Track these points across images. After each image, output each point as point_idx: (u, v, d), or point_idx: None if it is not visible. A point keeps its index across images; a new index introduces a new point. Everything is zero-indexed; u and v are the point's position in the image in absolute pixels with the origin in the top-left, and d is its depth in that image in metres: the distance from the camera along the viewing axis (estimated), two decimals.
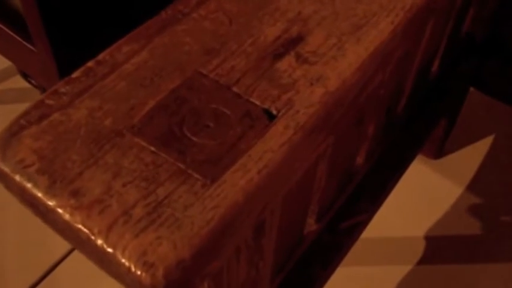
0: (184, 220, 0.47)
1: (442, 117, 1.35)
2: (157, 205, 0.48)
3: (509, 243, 1.40)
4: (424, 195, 1.48)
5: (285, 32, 0.63)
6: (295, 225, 0.78)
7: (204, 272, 0.48)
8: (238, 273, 0.62)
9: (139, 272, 0.45)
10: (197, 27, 0.63)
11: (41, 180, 0.50)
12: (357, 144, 0.87)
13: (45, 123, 0.54)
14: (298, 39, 0.62)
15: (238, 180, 0.50)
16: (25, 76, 1.58)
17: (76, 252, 1.34)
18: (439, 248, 1.39)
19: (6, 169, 0.52)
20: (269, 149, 0.53)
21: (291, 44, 0.62)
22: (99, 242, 0.47)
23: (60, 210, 0.49)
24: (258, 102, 0.56)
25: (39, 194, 0.50)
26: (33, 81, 1.54)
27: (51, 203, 0.49)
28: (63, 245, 1.36)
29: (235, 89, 0.58)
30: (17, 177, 0.51)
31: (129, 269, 0.45)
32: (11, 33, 1.14)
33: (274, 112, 0.56)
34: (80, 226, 0.48)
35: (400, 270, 1.35)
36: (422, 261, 1.37)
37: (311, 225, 0.84)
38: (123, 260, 0.45)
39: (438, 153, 1.54)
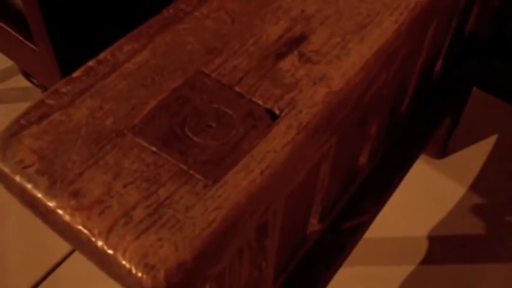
0: (185, 221, 0.47)
1: (446, 117, 1.35)
2: (158, 206, 0.48)
3: None
4: (427, 195, 1.47)
5: (287, 31, 0.63)
6: (298, 225, 0.78)
7: (206, 274, 0.47)
8: (240, 274, 0.61)
9: (140, 274, 0.44)
10: (199, 26, 0.63)
11: (41, 180, 0.50)
12: (360, 144, 0.86)
13: (46, 123, 0.54)
14: (301, 38, 0.62)
15: (241, 181, 0.50)
16: (27, 75, 1.57)
17: (77, 253, 1.33)
18: (442, 248, 1.39)
19: (6, 169, 0.51)
20: (272, 149, 0.52)
21: (293, 43, 0.62)
22: (100, 243, 0.46)
23: (60, 211, 0.48)
24: (260, 102, 0.56)
25: (39, 195, 0.49)
26: (34, 81, 1.54)
27: (51, 204, 0.49)
28: (65, 245, 1.35)
29: (237, 88, 0.57)
30: (17, 178, 0.51)
31: (129, 271, 0.45)
32: (13, 33, 1.14)
33: (277, 112, 0.55)
34: (80, 227, 0.47)
35: (403, 270, 1.35)
36: (425, 261, 1.36)
37: (314, 225, 0.84)
38: (123, 262, 0.45)
39: (441, 153, 1.54)
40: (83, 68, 0.58)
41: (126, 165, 0.51)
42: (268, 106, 0.56)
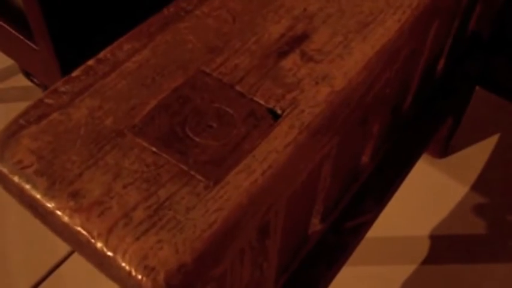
0: (186, 223, 0.47)
1: (448, 116, 1.34)
2: (158, 207, 0.48)
3: None
4: (428, 195, 1.47)
5: (289, 29, 0.62)
6: (300, 226, 0.78)
7: (207, 276, 0.47)
8: (242, 275, 0.61)
9: (140, 277, 0.44)
10: (200, 24, 0.63)
11: (39, 181, 0.49)
12: (362, 143, 0.86)
13: (45, 123, 0.54)
14: (303, 37, 0.61)
15: (242, 182, 0.49)
16: (27, 74, 1.57)
17: None
18: (444, 248, 1.39)
19: (5, 170, 0.51)
20: (274, 149, 0.52)
21: (295, 42, 0.61)
22: (99, 245, 0.46)
23: (59, 212, 0.48)
24: (262, 102, 0.56)
25: (38, 196, 0.49)
26: (35, 80, 1.54)
27: (50, 205, 0.48)
28: (66, 245, 1.35)
29: (238, 88, 0.57)
30: (16, 179, 0.50)
31: (129, 273, 0.44)
32: (13, 32, 1.14)
33: (279, 112, 0.55)
34: (79, 229, 0.47)
35: (405, 270, 1.35)
36: (427, 261, 1.36)
37: (316, 225, 0.84)
38: (123, 264, 0.45)
39: (443, 152, 1.54)
40: (82, 67, 0.58)
41: (126, 166, 0.50)
42: (270, 106, 0.55)
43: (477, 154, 1.55)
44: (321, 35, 0.62)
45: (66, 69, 1.08)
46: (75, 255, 1.36)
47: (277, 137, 0.53)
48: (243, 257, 0.58)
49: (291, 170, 0.54)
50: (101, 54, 0.59)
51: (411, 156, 1.08)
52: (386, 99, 0.82)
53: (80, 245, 0.48)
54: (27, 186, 0.50)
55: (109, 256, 0.45)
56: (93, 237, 0.46)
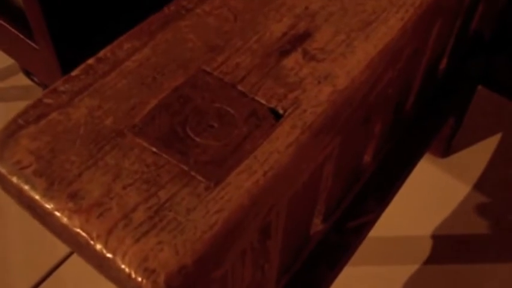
0: (186, 224, 0.46)
1: (450, 115, 1.34)
2: (158, 208, 0.47)
3: None
4: (431, 194, 1.47)
5: (291, 28, 0.62)
6: (302, 226, 0.77)
7: (208, 278, 0.46)
8: (243, 277, 0.60)
9: (140, 279, 0.44)
10: (201, 23, 0.62)
11: (38, 182, 0.49)
12: (364, 142, 0.86)
13: (44, 122, 0.53)
14: (305, 36, 0.61)
15: (243, 183, 0.49)
16: (28, 74, 1.58)
17: None
18: (446, 247, 1.38)
19: (3, 170, 0.51)
20: (275, 149, 0.51)
21: (297, 40, 0.61)
22: (98, 246, 0.45)
23: (58, 214, 0.47)
24: (263, 101, 0.55)
25: (37, 197, 0.49)
26: (35, 79, 1.54)
27: (48, 206, 0.48)
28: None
29: (240, 87, 0.56)
30: (14, 179, 0.50)
31: (129, 275, 0.44)
32: (13, 31, 1.14)
33: (281, 111, 0.54)
34: (78, 230, 0.46)
35: (407, 270, 1.35)
36: (429, 261, 1.36)
37: (317, 225, 0.83)
38: (123, 266, 0.44)
39: (445, 151, 1.54)
40: (82, 66, 0.58)
41: (126, 166, 0.50)
42: (272, 105, 0.55)
43: (479, 153, 1.55)
44: (323, 33, 0.61)
45: (66, 68, 1.07)
46: (75, 256, 1.36)
47: (279, 137, 0.52)
48: (244, 259, 0.57)
49: (293, 170, 0.53)
50: (101, 53, 0.59)
51: (413, 155, 1.08)
52: (389, 99, 0.82)
53: (79, 247, 0.48)
54: (26, 187, 0.49)
55: (108, 258, 0.45)
56: (92, 239, 0.46)
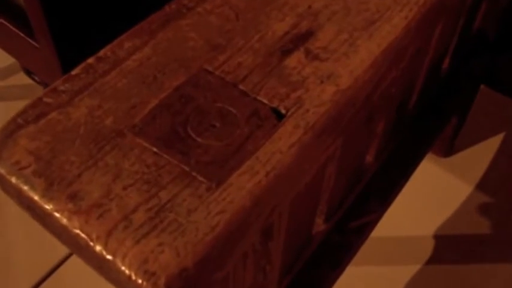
0: (187, 226, 0.46)
1: (453, 115, 1.34)
2: (159, 210, 0.47)
3: None
4: (433, 194, 1.47)
5: (294, 27, 0.62)
6: (304, 226, 0.77)
7: (209, 280, 0.46)
8: (244, 279, 0.60)
9: (140, 281, 0.43)
10: (202, 22, 0.62)
11: (37, 182, 0.49)
12: (366, 142, 0.85)
13: (43, 122, 0.53)
14: (308, 35, 0.61)
15: (245, 183, 0.49)
16: (28, 73, 1.57)
17: None
18: (448, 247, 1.38)
19: (2, 171, 0.50)
20: (278, 150, 0.51)
21: (300, 39, 0.60)
22: (98, 248, 0.45)
23: (57, 215, 0.47)
24: (265, 101, 0.55)
25: (36, 197, 0.48)
26: (36, 78, 1.54)
27: (48, 207, 0.48)
28: None
29: (242, 86, 0.56)
30: (13, 180, 0.50)
31: (129, 277, 0.43)
32: (14, 29, 1.14)
33: (283, 111, 0.54)
34: (78, 231, 0.46)
35: (409, 270, 1.35)
36: (431, 261, 1.36)
37: (319, 225, 0.83)
38: (123, 268, 0.44)
39: (448, 151, 1.53)
40: (82, 65, 0.57)
41: (126, 167, 0.49)
42: (274, 105, 0.54)
43: (482, 153, 1.55)
44: (326, 32, 0.61)
45: (67, 67, 1.07)
46: (76, 256, 1.36)
47: (281, 137, 0.52)
48: (246, 260, 0.57)
49: (296, 171, 0.53)
50: (101, 52, 0.59)
51: (416, 155, 1.07)
52: (392, 98, 0.81)
53: (78, 248, 0.47)
54: (25, 188, 0.49)
55: (108, 260, 0.45)
56: (92, 240, 0.45)
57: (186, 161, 0.50)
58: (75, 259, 1.36)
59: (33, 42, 1.10)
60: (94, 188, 0.48)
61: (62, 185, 0.48)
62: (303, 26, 0.62)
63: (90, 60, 0.58)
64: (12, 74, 1.71)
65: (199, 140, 0.51)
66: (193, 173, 0.49)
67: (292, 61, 0.58)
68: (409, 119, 1.02)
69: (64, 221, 0.47)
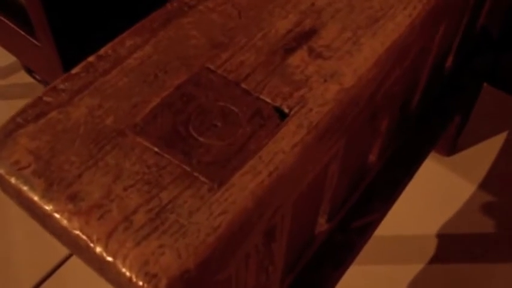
0: (189, 227, 0.45)
1: (456, 114, 1.33)
2: (160, 211, 0.46)
3: None
4: (436, 193, 1.47)
5: (297, 25, 0.61)
6: (306, 226, 0.77)
7: (211, 282, 0.45)
8: (247, 280, 0.60)
9: (141, 283, 0.43)
10: (204, 19, 0.61)
11: (37, 183, 0.48)
12: (369, 141, 0.85)
13: (43, 121, 0.52)
14: (311, 33, 0.60)
15: (248, 184, 0.48)
16: (29, 71, 1.58)
17: None
18: (451, 246, 1.38)
19: (1, 171, 0.50)
20: (280, 150, 0.50)
21: (303, 37, 0.60)
22: (98, 249, 0.45)
23: (57, 216, 0.47)
24: (268, 100, 0.54)
25: (36, 198, 0.48)
26: (37, 77, 1.54)
27: (47, 208, 0.47)
28: None
29: (244, 85, 0.55)
30: (13, 180, 0.49)
31: (130, 279, 0.43)
32: (15, 28, 1.14)
33: (286, 110, 0.53)
34: (78, 232, 0.46)
35: (412, 269, 1.35)
36: (433, 260, 1.36)
37: (322, 225, 0.83)
38: (123, 270, 0.43)
39: (451, 150, 1.53)
40: (82, 63, 0.57)
41: (126, 167, 0.49)
42: (277, 104, 0.54)
43: (485, 152, 1.55)
44: (329, 30, 0.61)
45: (68, 65, 1.07)
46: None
47: (284, 137, 0.51)
48: (249, 262, 0.57)
49: (299, 171, 0.52)
50: (102, 51, 0.58)
51: (419, 154, 1.07)
52: (395, 97, 0.81)
53: (79, 249, 0.47)
54: (25, 188, 0.48)
55: (109, 261, 0.44)
56: (92, 242, 0.45)
57: (187, 161, 0.49)
58: (76, 259, 1.36)
59: (34, 41, 1.10)
60: (94, 189, 0.47)
61: (62, 186, 0.48)
62: (306, 23, 0.61)
63: (91, 58, 0.57)
64: (13, 73, 1.71)
65: (201, 139, 0.51)
66: (195, 174, 0.49)
67: (295, 59, 0.58)
68: (412, 117, 1.01)
69: (64, 222, 0.46)
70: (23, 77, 1.64)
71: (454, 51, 1.08)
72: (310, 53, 0.58)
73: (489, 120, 1.60)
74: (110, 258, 0.44)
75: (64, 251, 1.37)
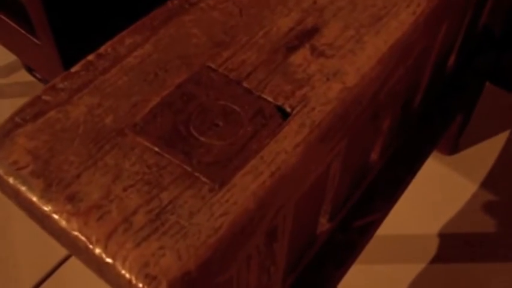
0: (190, 228, 0.45)
1: (458, 112, 1.33)
2: (160, 211, 0.46)
3: None
4: (437, 192, 1.47)
5: (299, 23, 0.61)
6: (308, 226, 0.77)
7: (212, 284, 0.45)
8: (248, 281, 0.59)
9: (140, 285, 0.42)
10: (205, 17, 0.61)
11: (35, 183, 0.48)
12: (371, 139, 0.85)
13: (41, 121, 0.52)
14: (314, 31, 0.60)
15: (249, 184, 0.48)
16: (30, 70, 1.57)
17: None
18: (453, 246, 1.38)
19: (0, 171, 0.49)
20: (283, 149, 0.50)
21: (305, 36, 0.59)
22: (98, 251, 0.44)
23: (56, 216, 0.46)
24: (270, 99, 0.54)
25: (34, 198, 0.47)
26: (37, 75, 1.53)
27: (46, 208, 0.47)
28: None
29: (246, 84, 0.55)
30: (11, 180, 0.49)
31: (129, 281, 0.43)
32: (15, 26, 1.13)
33: (288, 109, 0.53)
34: (77, 234, 0.45)
35: (414, 268, 1.35)
36: (435, 259, 1.36)
37: (324, 224, 0.83)
38: (123, 272, 0.43)
39: (453, 149, 1.53)
40: (82, 62, 0.56)
41: (126, 167, 0.49)
42: (279, 103, 0.53)
43: (487, 151, 1.55)
44: (331, 28, 0.60)
45: (68, 64, 1.07)
46: None
47: (286, 136, 0.51)
48: (250, 262, 0.56)
49: (301, 171, 0.52)
50: (102, 49, 0.58)
51: (421, 153, 1.07)
52: (397, 96, 0.81)
53: (78, 251, 0.46)
54: (23, 188, 0.48)
55: (108, 263, 0.44)
56: (91, 243, 0.44)
57: (188, 161, 0.49)
58: (75, 260, 1.35)
59: (34, 39, 1.09)
60: (93, 189, 0.47)
61: (61, 186, 0.47)
62: (308, 22, 0.61)
63: (90, 57, 0.57)
64: (14, 72, 1.71)
65: (201, 139, 0.50)
66: (196, 174, 0.48)
67: (297, 58, 0.57)
68: (415, 116, 1.01)
69: (63, 223, 0.46)
70: (24, 76, 1.63)
71: (456, 50, 1.07)
72: (312, 52, 0.58)
73: (491, 119, 1.60)
74: (109, 260, 0.43)
75: (64, 251, 1.36)
